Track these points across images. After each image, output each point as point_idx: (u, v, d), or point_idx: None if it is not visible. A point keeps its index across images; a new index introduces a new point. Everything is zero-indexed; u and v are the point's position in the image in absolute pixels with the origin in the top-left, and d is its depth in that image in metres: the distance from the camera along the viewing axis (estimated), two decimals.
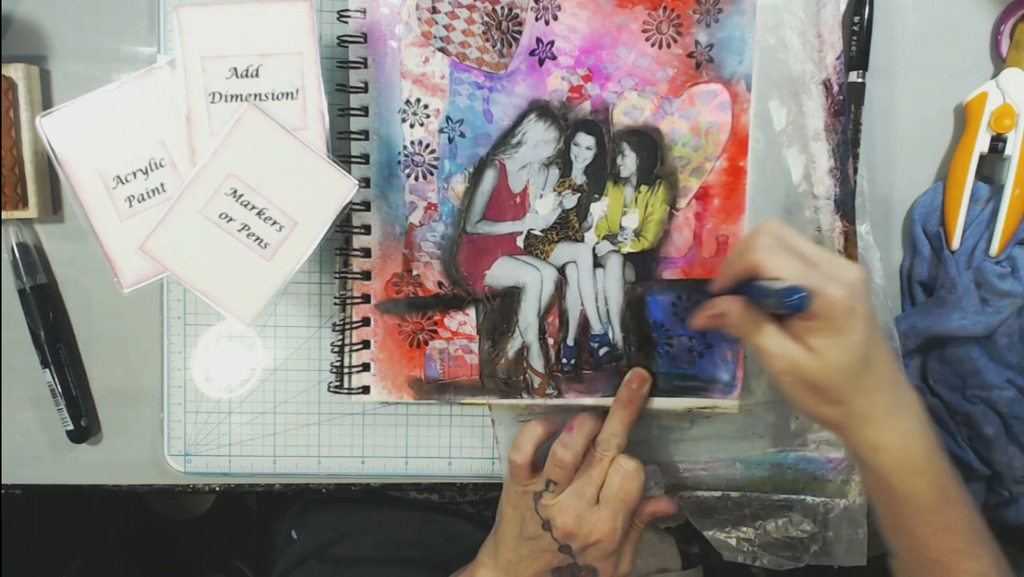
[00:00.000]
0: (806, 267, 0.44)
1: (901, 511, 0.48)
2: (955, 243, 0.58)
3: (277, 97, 0.48)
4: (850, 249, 0.57)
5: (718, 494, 0.61)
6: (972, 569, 0.46)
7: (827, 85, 0.56)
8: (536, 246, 0.57)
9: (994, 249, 0.57)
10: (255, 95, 0.48)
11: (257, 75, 0.48)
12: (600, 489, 0.53)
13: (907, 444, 0.46)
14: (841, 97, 0.56)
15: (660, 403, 0.58)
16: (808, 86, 0.56)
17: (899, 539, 0.49)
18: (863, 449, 0.47)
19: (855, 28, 0.57)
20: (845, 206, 0.57)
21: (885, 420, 0.46)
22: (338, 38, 0.55)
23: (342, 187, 0.49)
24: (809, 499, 0.61)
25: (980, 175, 0.59)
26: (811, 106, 0.56)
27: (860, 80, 0.58)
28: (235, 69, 0.48)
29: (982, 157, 0.58)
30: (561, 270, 0.57)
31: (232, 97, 0.48)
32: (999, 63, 0.59)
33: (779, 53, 0.56)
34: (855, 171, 0.58)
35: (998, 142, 0.58)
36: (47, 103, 0.58)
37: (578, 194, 0.57)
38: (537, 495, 0.54)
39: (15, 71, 0.55)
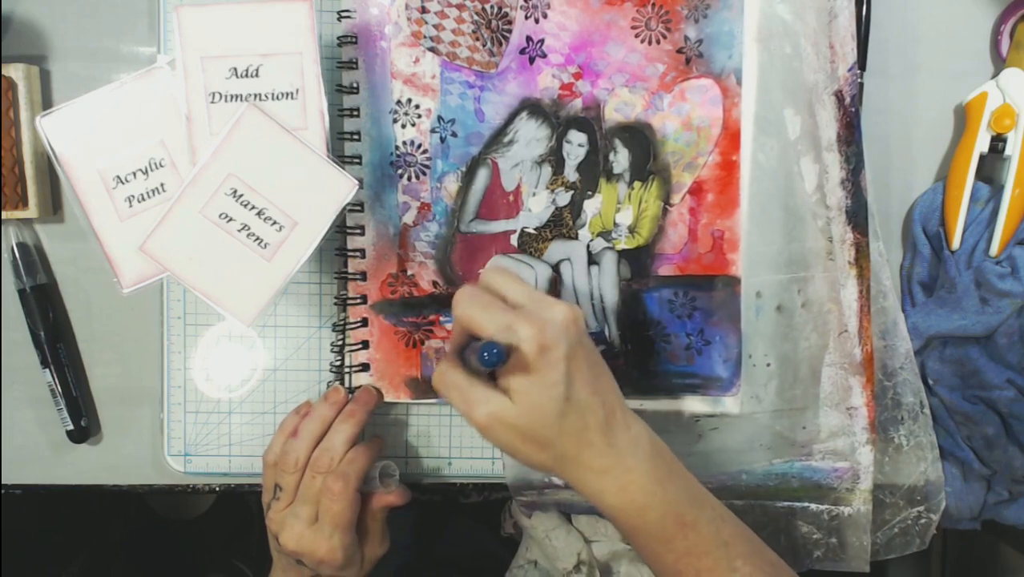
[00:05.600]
0: (504, 312, 0.43)
1: (636, 542, 0.47)
2: (955, 243, 0.58)
3: (277, 97, 0.48)
4: (861, 261, 0.57)
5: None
6: None
7: (839, 96, 0.56)
8: (530, 244, 0.57)
9: (994, 249, 0.57)
10: (255, 95, 0.48)
11: (257, 75, 0.48)
12: (317, 507, 0.53)
13: (626, 485, 0.45)
14: (853, 109, 0.56)
15: (661, 404, 0.58)
16: (821, 96, 0.56)
17: (650, 565, 0.48)
18: (581, 491, 0.46)
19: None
20: (857, 218, 0.57)
21: (599, 463, 0.44)
22: (338, 38, 0.55)
23: (342, 187, 0.49)
24: (813, 506, 0.60)
25: (980, 175, 0.59)
26: (824, 116, 0.56)
27: (858, 80, 0.58)
28: (235, 69, 0.48)
29: (982, 157, 0.58)
30: (556, 268, 0.57)
31: (232, 97, 0.48)
32: (999, 63, 0.59)
33: (794, 62, 0.56)
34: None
35: (998, 142, 0.58)
36: (47, 103, 0.58)
37: (571, 191, 0.57)
38: (267, 506, 0.55)
39: (15, 71, 0.55)
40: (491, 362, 0.41)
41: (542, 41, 0.55)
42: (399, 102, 0.55)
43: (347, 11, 0.54)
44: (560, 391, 0.43)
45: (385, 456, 0.60)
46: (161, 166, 0.50)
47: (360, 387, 0.57)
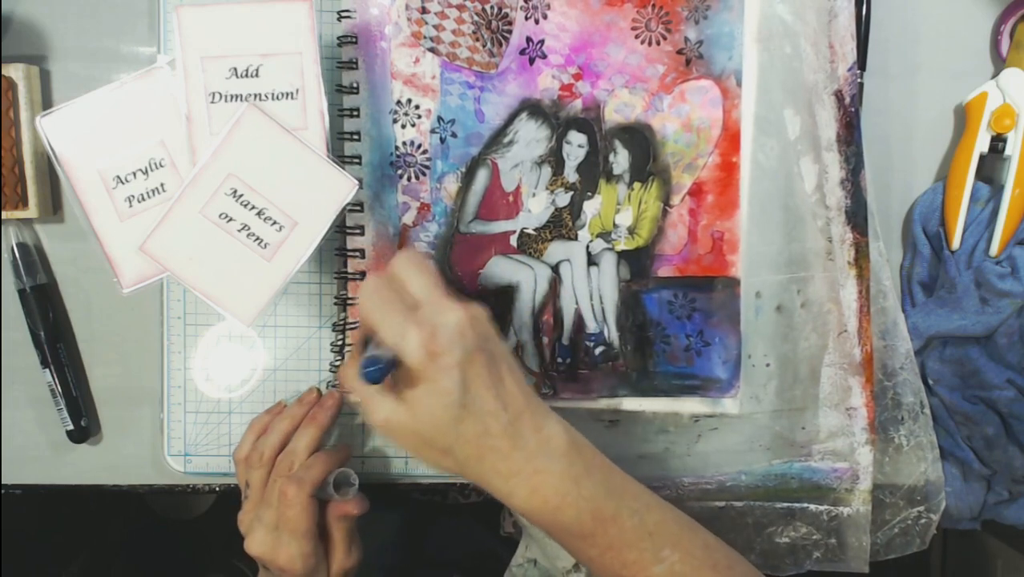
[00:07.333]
0: (399, 314, 0.42)
1: (556, 540, 0.46)
2: (955, 243, 0.58)
3: (277, 97, 0.48)
4: (861, 261, 0.57)
5: (721, 504, 0.60)
6: (656, 574, 0.44)
7: (839, 96, 0.56)
8: (530, 245, 0.57)
9: (994, 249, 0.57)
10: (255, 95, 0.48)
11: (257, 75, 0.48)
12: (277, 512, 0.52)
13: (537, 486, 0.43)
14: (853, 109, 0.56)
15: (660, 405, 0.58)
16: (821, 96, 0.56)
17: (576, 559, 0.47)
18: (491, 493, 0.45)
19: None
20: (856, 218, 0.57)
21: (504, 466, 0.43)
22: (338, 38, 0.55)
23: (342, 187, 0.49)
24: (812, 507, 0.60)
25: (980, 175, 0.59)
26: (824, 116, 0.56)
27: (858, 80, 0.58)
28: (235, 69, 0.48)
29: (982, 157, 0.58)
30: (555, 269, 0.57)
31: (232, 97, 0.48)
32: (999, 63, 0.59)
33: (793, 62, 0.56)
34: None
35: (998, 142, 0.58)
36: (47, 103, 0.58)
37: (571, 192, 0.57)
38: (241, 504, 0.54)
39: (15, 71, 0.55)
40: (372, 379, 0.41)
41: (542, 42, 0.55)
42: (399, 102, 0.55)
43: (347, 11, 0.54)
44: (454, 398, 0.41)
45: (385, 456, 0.60)
46: (161, 166, 0.50)
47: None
